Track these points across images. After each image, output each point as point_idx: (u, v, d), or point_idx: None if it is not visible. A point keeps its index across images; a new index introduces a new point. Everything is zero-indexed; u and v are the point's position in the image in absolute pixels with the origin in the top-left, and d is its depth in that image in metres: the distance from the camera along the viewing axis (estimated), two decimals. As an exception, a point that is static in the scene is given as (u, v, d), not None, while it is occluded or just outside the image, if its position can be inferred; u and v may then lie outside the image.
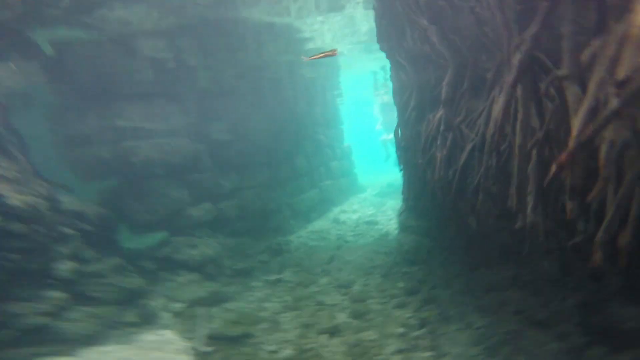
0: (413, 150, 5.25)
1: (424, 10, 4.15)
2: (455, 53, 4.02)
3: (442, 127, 4.10)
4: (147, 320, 5.21)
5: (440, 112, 4.22)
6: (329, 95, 13.81)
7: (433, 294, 6.27)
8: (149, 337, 4.25)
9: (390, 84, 16.49)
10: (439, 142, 4.13)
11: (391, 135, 15.85)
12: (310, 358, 5.14)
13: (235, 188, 9.09)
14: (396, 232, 10.39)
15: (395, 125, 7.03)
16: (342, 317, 6.17)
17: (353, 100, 21.18)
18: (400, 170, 6.69)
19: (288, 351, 5.31)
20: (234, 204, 8.84)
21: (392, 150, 16.90)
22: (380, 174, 21.73)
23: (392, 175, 19.96)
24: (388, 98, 15.38)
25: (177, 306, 5.84)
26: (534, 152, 2.62)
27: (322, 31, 11.22)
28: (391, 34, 5.59)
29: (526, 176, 2.70)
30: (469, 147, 3.67)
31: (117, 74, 7.39)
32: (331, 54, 4.32)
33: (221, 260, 7.59)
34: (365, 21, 10.74)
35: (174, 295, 6.08)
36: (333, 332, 5.70)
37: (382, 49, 6.60)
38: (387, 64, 14.67)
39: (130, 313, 5.19)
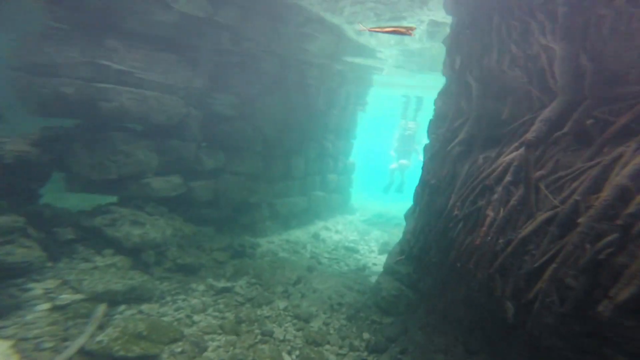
0: (443, 193, 3.93)
1: (554, 26, 2.96)
2: (575, 82, 2.77)
3: (508, 177, 2.81)
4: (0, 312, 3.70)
5: (510, 156, 2.94)
6: (351, 105, 12.52)
7: (402, 362, 4.91)
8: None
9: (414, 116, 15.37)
10: (496, 195, 2.82)
11: (403, 162, 14.61)
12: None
13: (217, 169, 7.69)
14: (374, 267, 9.04)
15: (425, 157, 5.73)
16: (286, 362, 4.76)
17: (371, 119, 19.97)
18: (415, 209, 5.26)
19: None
20: (209, 186, 7.43)
21: (398, 180, 15.69)
22: (373, 199, 20.41)
23: (385, 204, 18.65)
24: (411, 127, 14.15)
25: (69, 297, 4.31)
26: None
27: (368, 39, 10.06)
28: (470, 49, 4.33)
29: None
30: (543, 216, 2.39)
31: (125, 8, 5.94)
32: (405, 31, 3.05)
33: (166, 248, 6.13)
34: (417, 42, 9.56)
35: (76, 281, 4.55)
36: (268, 383, 4.29)
37: (445, 72, 5.37)
38: (422, 93, 13.44)
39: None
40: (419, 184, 4.85)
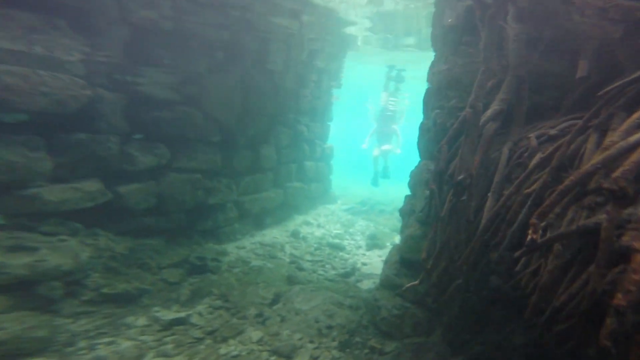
0: (476, 193, 2.33)
1: None
2: None
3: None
4: None
5: None
6: (325, 80, 10.63)
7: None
8: None
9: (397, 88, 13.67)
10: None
11: (385, 147, 13.04)
12: None
13: (159, 167, 5.68)
14: (364, 268, 7.53)
15: (423, 138, 4.10)
16: None
17: (350, 100, 18.13)
18: (426, 211, 3.57)
19: None
20: (148, 190, 5.45)
21: (382, 165, 14.16)
22: (355, 184, 18.85)
23: (367, 188, 17.14)
24: (392, 108, 12.51)
25: None
26: None
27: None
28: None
29: None
30: None
31: None
32: None
33: (85, 274, 4.23)
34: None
35: None
36: None
37: (439, 28, 3.67)
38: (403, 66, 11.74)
39: None
40: (431, 176, 3.20)
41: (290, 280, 6.25)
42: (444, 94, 3.86)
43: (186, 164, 6.04)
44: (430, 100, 4.79)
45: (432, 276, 2.69)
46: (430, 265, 2.67)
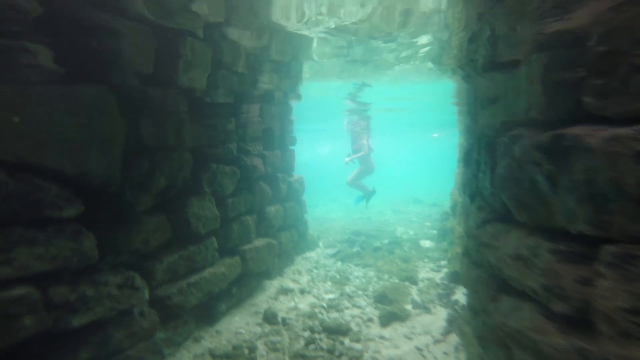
0: None
1: None
2: None
3: None
4: None
5: None
6: (278, 91, 7.54)
7: None
8: None
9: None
10: None
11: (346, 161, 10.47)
12: None
13: None
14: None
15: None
16: None
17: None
18: None
19: None
20: None
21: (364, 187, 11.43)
22: (331, 209, 15.49)
23: (346, 214, 14.00)
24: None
25: None
26: None
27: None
28: None
29: None
30: None
31: None
32: None
33: None
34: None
35: None
36: None
37: None
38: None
39: None
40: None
41: None
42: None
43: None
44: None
45: None
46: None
